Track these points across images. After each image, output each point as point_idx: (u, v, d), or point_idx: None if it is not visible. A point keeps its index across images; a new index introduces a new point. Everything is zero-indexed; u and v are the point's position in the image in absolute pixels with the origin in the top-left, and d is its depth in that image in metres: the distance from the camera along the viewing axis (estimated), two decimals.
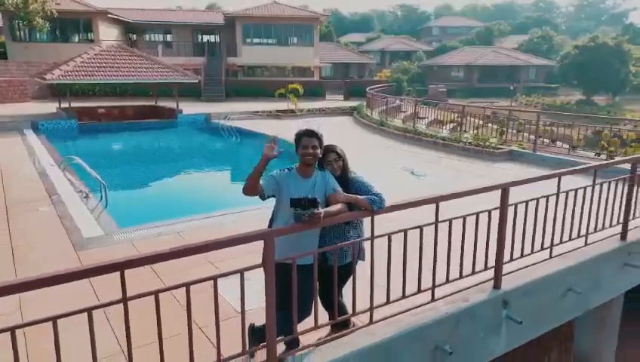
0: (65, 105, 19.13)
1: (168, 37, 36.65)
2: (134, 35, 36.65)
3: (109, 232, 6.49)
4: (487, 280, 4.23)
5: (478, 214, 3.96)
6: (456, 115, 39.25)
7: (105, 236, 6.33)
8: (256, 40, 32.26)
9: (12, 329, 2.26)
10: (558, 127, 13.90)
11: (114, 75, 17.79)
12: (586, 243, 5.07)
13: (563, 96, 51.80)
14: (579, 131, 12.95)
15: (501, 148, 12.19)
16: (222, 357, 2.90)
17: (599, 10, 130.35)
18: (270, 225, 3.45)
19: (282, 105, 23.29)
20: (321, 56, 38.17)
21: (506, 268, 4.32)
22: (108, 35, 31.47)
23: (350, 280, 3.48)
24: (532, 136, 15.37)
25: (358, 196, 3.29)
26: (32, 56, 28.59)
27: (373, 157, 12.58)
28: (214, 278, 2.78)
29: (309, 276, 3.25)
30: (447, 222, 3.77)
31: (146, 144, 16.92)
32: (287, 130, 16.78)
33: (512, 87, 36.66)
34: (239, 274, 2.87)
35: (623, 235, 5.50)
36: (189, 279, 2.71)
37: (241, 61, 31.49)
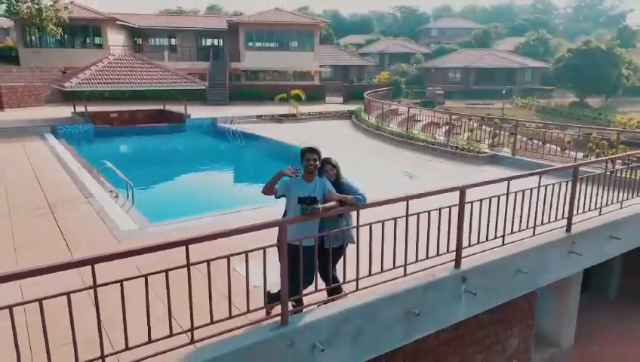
0: (80, 109, 20.34)
1: (173, 41, 37.80)
2: (140, 39, 37.82)
3: (142, 226, 7.68)
4: (449, 261, 5.43)
5: (440, 209, 5.16)
6: (452, 117, 40.69)
7: (139, 229, 7.52)
8: (258, 45, 33.45)
9: (119, 282, 3.46)
10: (546, 131, 14.96)
11: (127, 83, 19.00)
12: (534, 234, 6.27)
13: (558, 98, 52.94)
14: (564, 136, 14.05)
15: (484, 153, 13.37)
16: (249, 309, 4.10)
17: (597, 11, 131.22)
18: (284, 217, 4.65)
19: (284, 109, 24.49)
20: (321, 58, 39.41)
21: (465, 252, 5.52)
22: (115, 40, 32.68)
23: (342, 258, 4.69)
24: (524, 138, 16.65)
25: (347, 195, 4.49)
26: (42, 61, 29.78)
27: (369, 160, 13.80)
28: (228, 256, 3.97)
29: (311, 255, 4.44)
30: (416, 215, 4.97)
31: (159, 147, 18.15)
32: (288, 134, 17.99)
33: (504, 91, 37.77)
34: (259, 253, 4.08)
35: (568, 228, 6.70)
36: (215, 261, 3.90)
37: (244, 65, 32.70)
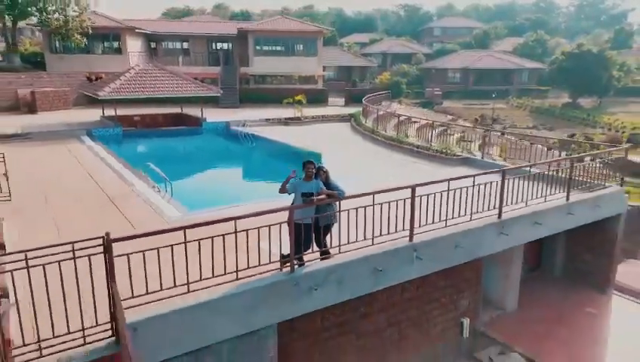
0: (107, 113, 22.88)
1: (185, 45, 40.19)
2: (154, 44, 40.24)
3: (183, 213, 10.18)
4: (405, 237, 7.89)
5: (397, 201, 7.60)
6: (449, 117, 43.02)
7: (182, 216, 10.01)
8: (266, 51, 35.86)
9: (197, 238, 5.94)
10: (532, 133, 17.24)
11: (152, 91, 21.51)
12: (470, 219, 8.71)
13: (553, 98, 54.97)
14: (545, 141, 16.26)
15: (459, 156, 15.74)
16: (272, 260, 6.60)
17: (598, 10, 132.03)
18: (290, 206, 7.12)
19: (289, 112, 26.94)
20: (325, 60, 41.82)
21: (417, 231, 7.97)
22: (133, 46, 35.18)
23: (329, 233, 7.17)
24: (514, 138, 18.92)
25: (333, 191, 6.95)
26: (66, 66, 32.29)
27: (363, 161, 16.24)
28: (259, 228, 6.45)
29: (309, 230, 6.91)
30: (380, 204, 7.42)
31: (182, 148, 20.70)
32: (294, 136, 20.42)
33: (494, 95, 39.95)
34: (273, 228, 6.55)
35: (499, 215, 9.14)
36: (250, 231, 6.38)
37: (252, 70, 35.15)
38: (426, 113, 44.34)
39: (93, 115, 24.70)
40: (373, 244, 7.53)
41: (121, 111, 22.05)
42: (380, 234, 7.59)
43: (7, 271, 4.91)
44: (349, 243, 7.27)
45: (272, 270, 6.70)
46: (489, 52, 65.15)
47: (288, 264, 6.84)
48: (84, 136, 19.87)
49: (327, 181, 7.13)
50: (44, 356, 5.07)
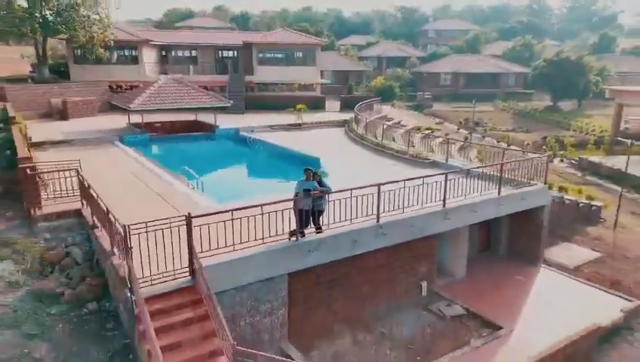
0: (134, 120, 26.43)
1: (194, 52, 43.59)
2: (164, 51, 43.63)
3: (214, 204, 13.76)
4: (374, 218, 11.51)
5: (368, 194, 11.21)
6: (436, 120, 46.89)
7: (214, 207, 13.58)
8: (269, 61, 39.41)
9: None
10: (509, 135, 20.79)
11: (172, 102, 25.06)
12: (422, 207, 12.32)
13: (537, 101, 58.44)
14: (521, 143, 19.80)
15: (429, 159, 19.29)
16: (288, 230, 10.24)
17: (590, 12, 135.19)
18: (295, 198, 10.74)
19: (290, 118, 30.50)
20: (323, 64, 45.29)
21: (383, 215, 11.59)
22: (148, 56, 38.70)
23: (322, 216, 10.80)
24: (493, 140, 22.40)
25: (324, 188, 10.59)
26: (88, 75, 35.70)
27: (352, 162, 19.84)
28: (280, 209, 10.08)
29: (308, 213, 10.54)
30: (356, 197, 11.04)
31: (200, 151, 24.28)
32: (295, 141, 23.93)
33: (474, 101, 43.47)
34: (287, 212, 10.18)
35: (444, 205, 12.77)
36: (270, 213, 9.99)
37: (256, 79, 38.69)
38: (416, 116, 47.94)
39: (118, 121, 28.18)
40: (351, 223, 11.15)
41: (141, 118, 25.59)
42: (357, 217, 11.20)
43: (134, 234, 8.52)
44: (334, 222, 10.89)
45: (284, 239, 10.32)
46: (478, 56, 68.68)
47: (295, 235, 10.46)
48: (117, 142, 23.39)
49: (319, 181, 10.75)
50: (153, 284, 8.69)
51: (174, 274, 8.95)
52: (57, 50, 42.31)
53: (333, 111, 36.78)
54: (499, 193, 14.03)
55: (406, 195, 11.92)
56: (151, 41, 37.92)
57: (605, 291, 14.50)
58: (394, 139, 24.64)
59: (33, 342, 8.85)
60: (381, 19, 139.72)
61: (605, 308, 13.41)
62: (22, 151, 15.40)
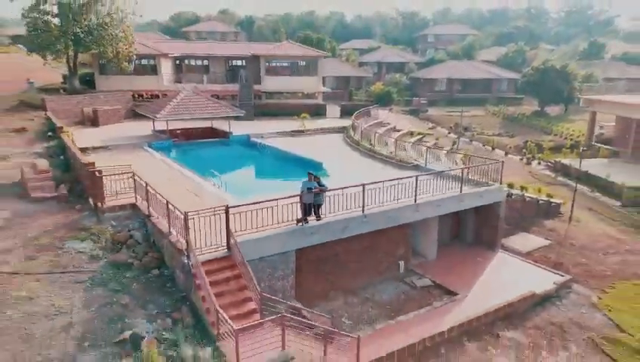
0: (159, 128, 30.23)
1: (205, 62, 47.35)
2: (178, 61, 47.47)
3: (236, 199, 17.55)
4: (360, 210, 15.31)
5: (356, 192, 15.01)
6: (429, 125, 51.08)
7: (237, 201, 17.39)
8: (275, 71, 43.24)
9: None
10: (494, 140, 24.50)
11: (193, 113, 28.87)
12: (397, 201, 16.10)
13: (526, 105, 61.99)
14: (505, 146, 23.48)
15: (411, 163, 23.02)
16: (296, 218, 14.08)
17: (586, 16, 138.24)
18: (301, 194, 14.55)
19: (295, 124, 34.29)
20: (325, 70, 49.04)
21: (367, 208, 15.38)
22: (165, 67, 42.56)
23: (321, 207, 14.63)
24: (480, 144, 26.09)
25: (322, 188, 14.40)
26: (112, 84, 39.61)
27: (348, 165, 23.61)
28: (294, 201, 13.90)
29: (310, 205, 14.37)
30: (346, 193, 14.84)
31: (219, 154, 28.08)
32: (299, 146, 27.68)
33: (461, 110, 47.06)
34: (296, 201, 14.01)
35: (415, 200, 16.54)
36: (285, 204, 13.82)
37: (263, 88, 42.50)
38: (412, 121, 51.61)
39: (143, 128, 31.91)
40: (342, 213, 14.95)
41: (164, 125, 29.37)
42: (347, 209, 15.00)
43: (191, 218, 12.34)
44: (330, 213, 14.70)
45: (293, 224, 14.14)
46: (473, 63, 72.25)
47: (300, 222, 14.27)
48: (147, 147, 27.23)
49: (319, 181, 14.56)
50: (202, 254, 12.51)
51: (216, 248, 12.78)
52: (82, 60, 46.24)
53: (333, 117, 40.54)
54: (461, 191, 17.79)
55: (385, 192, 15.70)
56: (168, 53, 41.77)
57: (547, 269, 18.26)
58: (387, 144, 28.46)
59: (118, 294, 12.66)
60: (382, 23, 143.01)
61: (543, 281, 17.16)
62: (82, 157, 19.30)
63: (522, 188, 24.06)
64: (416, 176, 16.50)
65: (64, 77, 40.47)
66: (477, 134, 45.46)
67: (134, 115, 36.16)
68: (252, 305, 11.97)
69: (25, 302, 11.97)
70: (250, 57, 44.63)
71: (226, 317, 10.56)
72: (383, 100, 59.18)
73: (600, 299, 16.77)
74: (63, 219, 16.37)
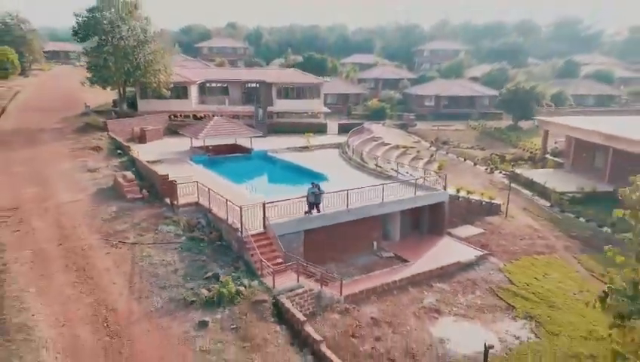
0: (195, 144, 38.90)
1: (225, 85, 56.18)
2: (202, 85, 56.28)
3: (264, 198, 26.17)
4: (344, 206, 23.93)
5: (341, 193, 23.64)
6: (415, 138, 60.63)
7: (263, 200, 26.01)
8: (284, 95, 52.02)
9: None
10: (464, 152, 33.07)
11: (223, 134, 37.57)
12: (370, 201, 24.70)
13: (505, 120, 70.41)
14: (474, 158, 32.02)
15: (390, 173, 31.53)
16: (304, 211, 22.77)
17: (575, 30, 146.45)
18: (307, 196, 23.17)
19: (301, 141, 42.96)
20: (327, 88, 57.83)
21: (350, 205, 23.98)
22: (194, 91, 51.41)
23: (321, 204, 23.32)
24: (454, 156, 34.95)
25: (321, 190, 23.07)
26: (151, 106, 48.40)
27: (342, 176, 32.26)
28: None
29: (313, 203, 23.01)
30: (335, 195, 23.46)
31: (245, 166, 36.74)
32: (305, 159, 36.25)
33: (439, 127, 55.35)
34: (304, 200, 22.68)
35: (382, 200, 25.13)
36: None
37: (275, 109, 51.28)
38: (400, 135, 60.09)
39: (181, 144, 40.55)
40: (334, 208, 23.55)
41: (199, 143, 37.99)
42: (337, 205, 23.61)
43: (243, 212, 21.00)
44: (326, 208, 23.32)
45: (302, 214, 22.77)
46: (459, 81, 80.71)
47: (307, 213, 22.91)
48: (190, 161, 35.89)
49: (318, 188, 23.19)
50: (250, 231, 21.16)
51: (257, 227, 21.42)
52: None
53: (333, 134, 49.16)
54: (415, 194, 26.36)
55: (363, 194, 24.26)
56: (197, 82, 50.64)
57: (474, 248, 26.77)
58: (375, 158, 37.04)
59: (198, 255, 21.24)
60: (382, 36, 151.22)
61: (469, 255, 25.67)
62: (157, 169, 28.02)
63: (468, 192, 32.55)
64: (383, 185, 25.09)
65: (114, 101, 49.35)
66: (453, 147, 53.90)
67: (170, 132, 45.00)
68: (279, 260, 20.57)
69: (146, 259, 20.62)
70: (263, 83, 53.42)
71: (268, 264, 19.20)
72: (378, 115, 67.98)
73: (505, 266, 25.28)
74: (151, 211, 25.04)
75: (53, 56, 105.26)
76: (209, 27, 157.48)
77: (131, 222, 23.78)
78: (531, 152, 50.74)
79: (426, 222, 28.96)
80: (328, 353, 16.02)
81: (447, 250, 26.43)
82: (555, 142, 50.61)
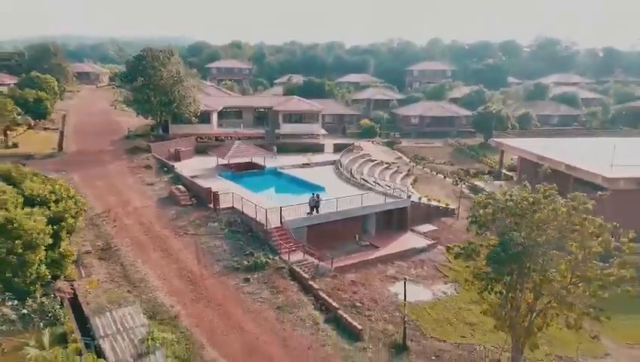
0: (222, 162, 49.83)
1: (238, 110, 67.21)
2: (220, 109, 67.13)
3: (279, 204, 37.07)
4: (335, 209, 34.89)
5: (334, 200, 34.61)
6: (397, 155, 72.98)
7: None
8: (289, 119, 63.17)
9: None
10: (437, 166, 44.16)
11: (243, 156, 48.50)
12: (353, 205, 35.64)
13: (478, 138, 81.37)
14: (445, 172, 43.06)
15: (370, 185, 42.47)
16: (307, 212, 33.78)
17: (554, 51, 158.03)
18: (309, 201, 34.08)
19: (303, 159, 53.90)
20: (325, 110, 69.06)
21: (339, 208, 34.91)
22: (214, 117, 62.50)
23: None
24: (428, 170, 46.17)
25: (319, 199, 34.06)
26: (180, 130, 59.34)
27: (335, 188, 43.25)
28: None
29: (313, 207, 33.97)
30: (327, 201, 34.42)
31: (261, 180, 47.62)
32: (306, 174, 47.10)
33: (419, 145, 66.39)
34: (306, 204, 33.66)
35: (362, 203, 36.09)
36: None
37: (281, 131, 62.41)
38: (386, 152, 71.02)
39: (208, 162, 51.36)
40: (328, 210, 34.47)
41: (223, 161, 48.84)
42: (330, 209, 34.51)
43: (267, 213, 31.91)
44: (322, 210, 34.23)
45: (306, 214, 33.70)
46: (441, 103, 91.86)
47: (309, 213, 33.84)
48: (219, 177, 46.73)
49: (317, 196, 34.14)
50: (271, 225, 32.08)
51: (276, 223, 32.35)
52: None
53: (329, 152, 60.12)
54: (385, 201, 37.32)
55: (349, 201, 35.15)
56: (217, 110, 61.81)
57: (427, 239, 37.62)
58: (362, 172, 47.96)
59: (238, 242, 32.04)
60: (376, 55, 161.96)
61: (423, 243, 36.54)
62: (199, 183, 38.99)
63: (429, 198, 43.47)
64: (362, 195, 36.02)
65: (151, 127, 60.43)
66: (429, 163, 64.83)
67: (197, 152, 56.07)
68: (291, 244, 31.42)
69: (204, 243, 31.49)
70: (271, 109, 64.54)
71: (285, 246, 30.15)
72: (369, 133, 79.15)
73: (447, 250, 36.14)
74: (200, 214, 35.93)
75: (77, 77, 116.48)
76: (213, 43, 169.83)
77: (188, 220, 34.69)
78: (491, 167, 61.74)
79: (395, 221, 39.83)
80: (324, 295, 26.88)
81: (408, 241, 37.32)
82: (512, 159, 61.71)
